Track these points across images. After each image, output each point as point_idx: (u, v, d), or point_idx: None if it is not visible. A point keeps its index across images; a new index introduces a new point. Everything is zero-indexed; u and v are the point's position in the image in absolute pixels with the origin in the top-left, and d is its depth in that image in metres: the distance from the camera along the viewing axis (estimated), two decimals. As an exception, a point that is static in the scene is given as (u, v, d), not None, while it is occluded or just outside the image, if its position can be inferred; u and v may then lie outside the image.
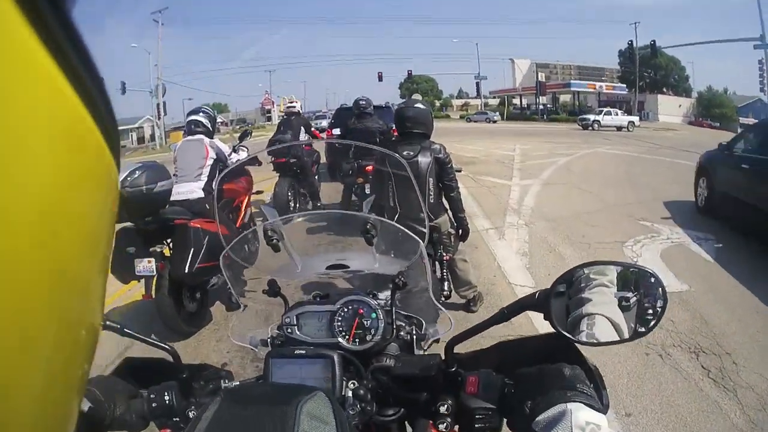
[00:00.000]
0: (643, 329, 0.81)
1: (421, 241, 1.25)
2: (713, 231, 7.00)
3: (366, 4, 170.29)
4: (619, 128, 35.88)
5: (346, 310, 1.11)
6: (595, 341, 0.81)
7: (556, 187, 10.68)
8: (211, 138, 4.77)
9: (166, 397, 0.94)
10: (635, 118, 39.82)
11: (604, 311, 0.82)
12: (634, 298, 0.81)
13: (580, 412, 0.65)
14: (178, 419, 0.95)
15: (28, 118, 0.24)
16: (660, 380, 3.47)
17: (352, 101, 7.81)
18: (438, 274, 3.68)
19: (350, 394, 0.94)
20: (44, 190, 0.25)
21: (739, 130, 10.34)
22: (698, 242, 6.60)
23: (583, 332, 0.81)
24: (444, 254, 3.69)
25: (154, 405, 0.94)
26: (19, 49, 0.22)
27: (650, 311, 0.81)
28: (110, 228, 0.35)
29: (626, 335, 0.81)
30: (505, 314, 0.85)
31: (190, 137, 4.72)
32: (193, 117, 4.80)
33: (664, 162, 15.73)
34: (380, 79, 54.01)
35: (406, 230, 1.26)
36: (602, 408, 0.70)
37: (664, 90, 62.09)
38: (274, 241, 1.29)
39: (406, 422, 1.03)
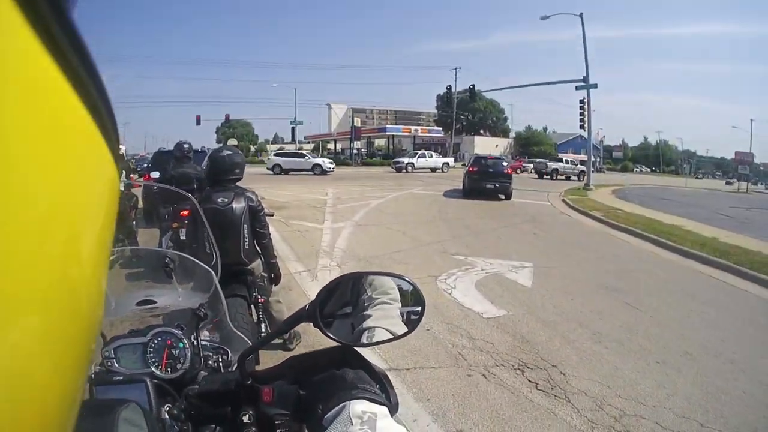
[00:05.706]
0: (409, 328, 1.02)
1: (213, 271, 1.52)
2: (529, 259, 8.01)
3: (190, 47, 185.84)
4: (434, 170, 39.74)
5: (156, 341, 1.30)
6: (366, 342, 0.99)
7: (368, 228, 11.33)
8: None
9: None
10: (450, 159, 44.43)
11: (382, 324, 1.00)
12: (417, 309, 1.04)
13: (358, 405, 0.77)
14: None
15: (28, 117, 0.25)
16: (487, 397, 3.73)
17: (170, 144, 8.17)
18: (254, 316, 3.89)
19: (167, 416, 1.06)
20: (44, 189, 0.27)
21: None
22: (514, 270, 7.49)
23: (363, 342, 0.99)
24: (259, 297, 3.97)
25: None
26: (19, 50, 0.24)
27: (415, 315, 1.04)
28: (110, 224, 0.38)
29: (398, 334, 1.00)
30: (283, 327, 1.05)
31: None
32: None
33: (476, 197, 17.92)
34: (198, 122, 53.28)
35: (198, 262, 1.53)
36: (387, 403, 0.83)
37: (482, 132, 70.23)
38: None
39: None
